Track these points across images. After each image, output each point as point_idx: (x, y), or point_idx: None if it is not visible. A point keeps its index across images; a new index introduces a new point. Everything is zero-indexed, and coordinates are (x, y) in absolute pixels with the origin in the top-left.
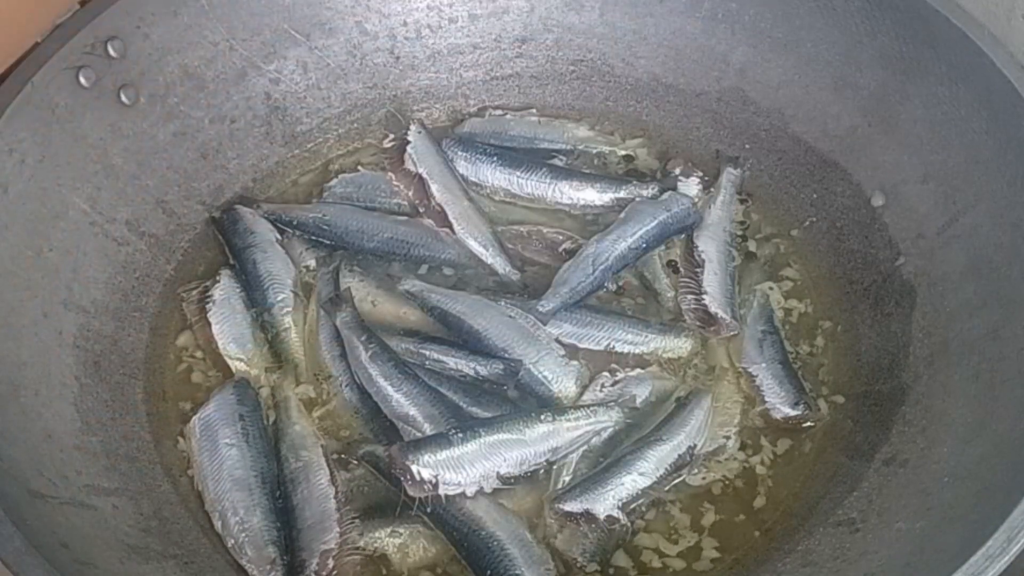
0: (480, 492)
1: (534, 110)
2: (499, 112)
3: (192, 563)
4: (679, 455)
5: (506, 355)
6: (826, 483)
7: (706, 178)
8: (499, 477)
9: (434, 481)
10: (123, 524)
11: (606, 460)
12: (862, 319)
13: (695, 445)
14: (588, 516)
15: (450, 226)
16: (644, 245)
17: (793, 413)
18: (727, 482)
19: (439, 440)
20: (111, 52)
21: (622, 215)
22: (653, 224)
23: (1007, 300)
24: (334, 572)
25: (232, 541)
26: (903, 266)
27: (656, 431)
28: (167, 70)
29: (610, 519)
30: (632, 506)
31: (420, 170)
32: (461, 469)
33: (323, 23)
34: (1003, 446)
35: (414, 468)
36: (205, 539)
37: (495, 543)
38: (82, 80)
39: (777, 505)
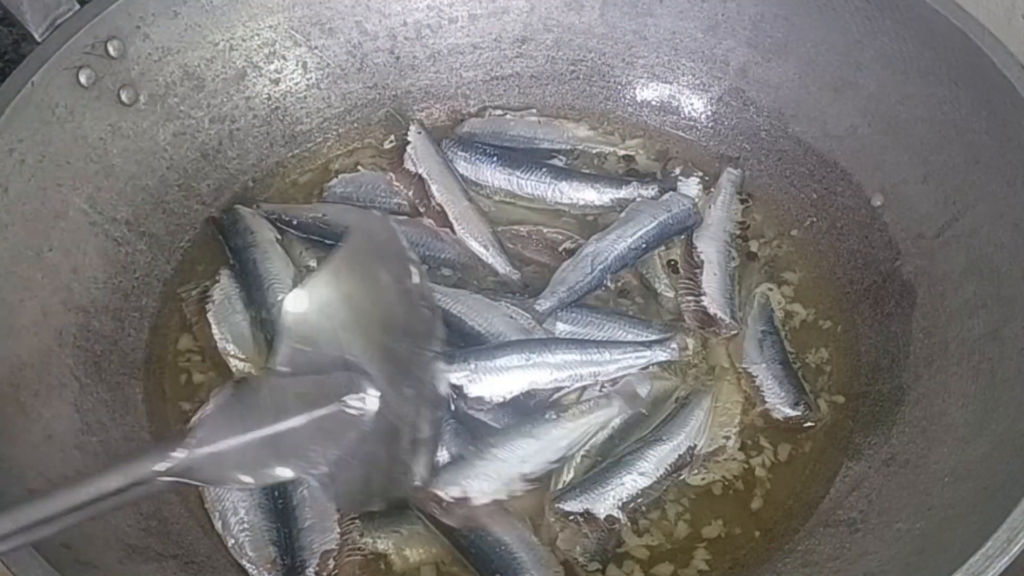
0: (511, 494)
1: (534, 110)
2: (499, 112)
3: (192, 563)
4: (679, 455)
5: None
6: (826, 483)
7: (706, 178)
8: (523, 478)
9: (464, 496)
10: (123, 524)
11: (606, 460)
12: (862, 319)
13: (695, 445)
14: (588, 516)
15: (450, 226)
16: (644, 245)
17: (793, 413)
18: (727, 483)
19: (456, 462)
20: (111, 52)
21: (622, 215)
22: (653, 224)
23: (1007, 300)
24: (334, 572)
25: (232, 541)
26: (903, 266)
27: (656, 431)
28: (167, 70)
29: (610, 519)
30: (631, 506)
31: (420, 170)
32: (487, 479)
33: (323, 23)
34: (1003, 446)
35: (441, 493)
36: (205, 539)
37: (503, 547)
38: (82, 80)
39: (777, 506)
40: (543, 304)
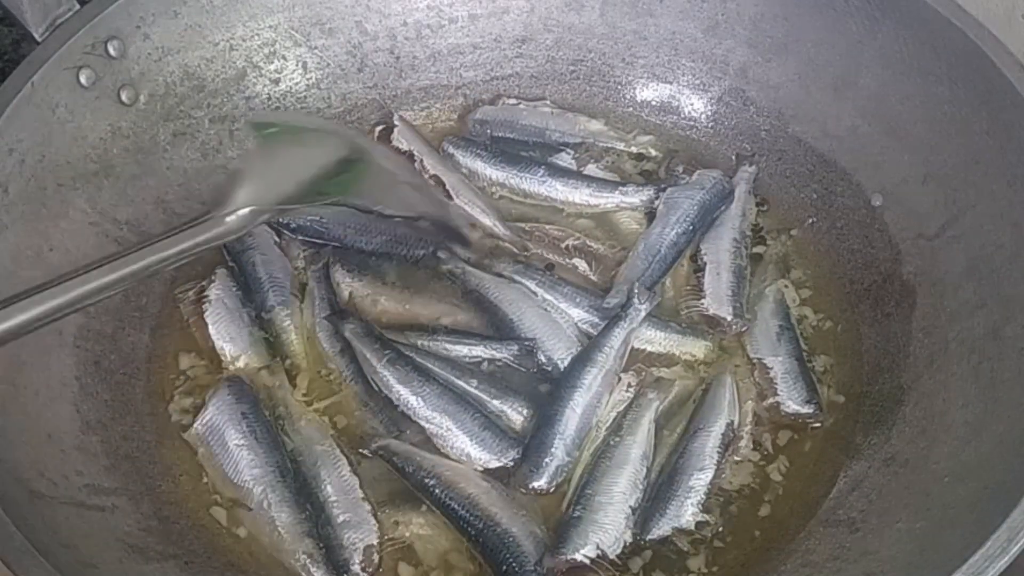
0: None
1: (548, 100)
2: (513, 101)
3: (192, 563)
4: (723, 435)
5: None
6: (826, 483)
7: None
8: (632, 510)
9: (600, 552)
10: (123, 524)
11: (659, 476)
12: (862, 319)
13: (732, 421)
14: (680, 531)
15: (447, 194)
16: (691, 228)
17: (804, 411)
18: (731, 483)
19: (570, 523)
20: (111, 52)
21: (660, 207)
22: (693, 205)
23: (1007, 300)
24: (379, 566)
25: (266, 540)
26: (903, 266)
27: (693, 423)
28: (167, 70)
29: (700, 525)
30: (707, 502)
31: (410, 147)
32: (610, 527)
33: (323, 23)
34: (1003, 446)
35: (579, 557)
36: (205, 539)
37: (510, 539)
38: (82, 80)
39: (779, 505)
40: (611, 301)
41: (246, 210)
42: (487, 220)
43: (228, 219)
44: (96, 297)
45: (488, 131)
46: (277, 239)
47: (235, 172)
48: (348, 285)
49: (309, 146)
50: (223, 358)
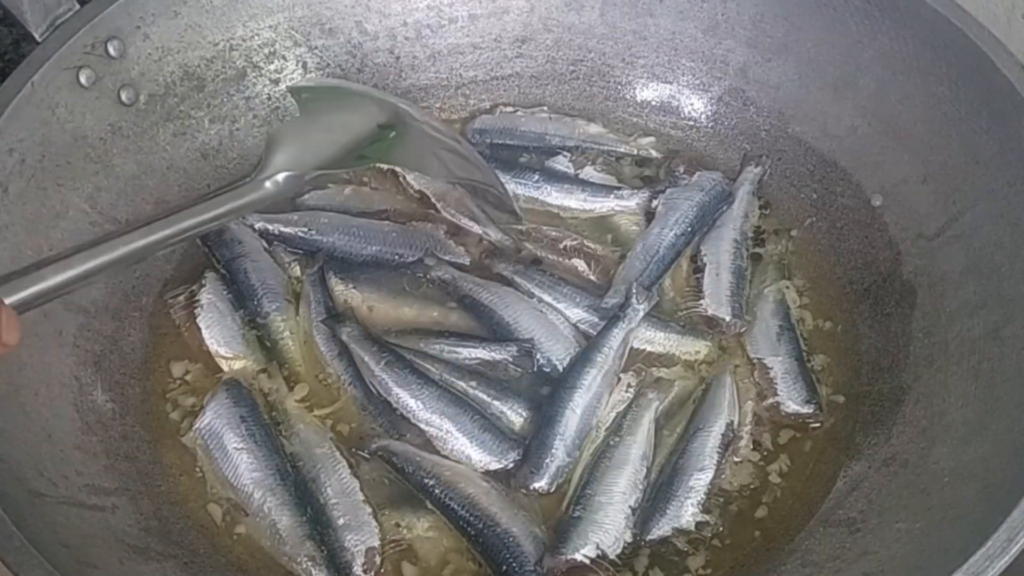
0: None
1: (545, 107)
2: (510, 109)
3: (192, 563)
4: (723, 435)
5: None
6: (826, 483)
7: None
8: (633, 510)
9: (600, 552)
10: (123, 524)
11: (659, 476)
12: (862, 319)
13: (732, 421)
14: (679, 532)
15: (434, 207)
16: (690, 229)
17: (804, 411)
18: (731, 483)
19: (569, 523)
20: (111, 52)
21: (659, 207)
22: (692, 207)
23: (1007, 300)
24: (381, 568)
25: (267, 543)
26: (903, 266)
27: (693, 423)
28: (167, 70)
29: (699, 525)
30: (707, 502)
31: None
32: (609, 527)
33: (323, 23)
34: (1003, 446)
35: (579, 557)
36: (205, 539)
37: (510, 539)
38: (82, 80)
39: (778, 505)
40: (608, 301)
41: (283, 175)
42: (478, 228)
43: (267, 184)
44: (133, 259)
45: (487, 140)
46: (267, 246)
47: (272, 137)
48: (342, 293)
49: (348, 111)
50: (218, 360)
